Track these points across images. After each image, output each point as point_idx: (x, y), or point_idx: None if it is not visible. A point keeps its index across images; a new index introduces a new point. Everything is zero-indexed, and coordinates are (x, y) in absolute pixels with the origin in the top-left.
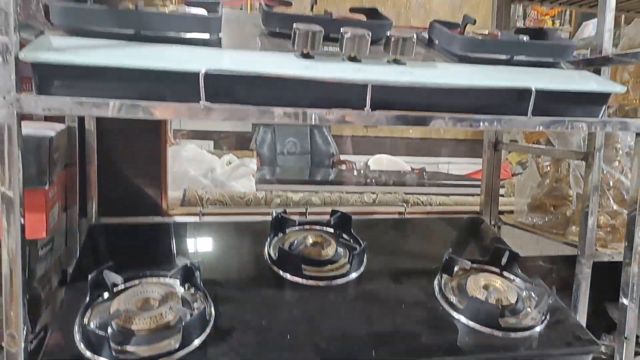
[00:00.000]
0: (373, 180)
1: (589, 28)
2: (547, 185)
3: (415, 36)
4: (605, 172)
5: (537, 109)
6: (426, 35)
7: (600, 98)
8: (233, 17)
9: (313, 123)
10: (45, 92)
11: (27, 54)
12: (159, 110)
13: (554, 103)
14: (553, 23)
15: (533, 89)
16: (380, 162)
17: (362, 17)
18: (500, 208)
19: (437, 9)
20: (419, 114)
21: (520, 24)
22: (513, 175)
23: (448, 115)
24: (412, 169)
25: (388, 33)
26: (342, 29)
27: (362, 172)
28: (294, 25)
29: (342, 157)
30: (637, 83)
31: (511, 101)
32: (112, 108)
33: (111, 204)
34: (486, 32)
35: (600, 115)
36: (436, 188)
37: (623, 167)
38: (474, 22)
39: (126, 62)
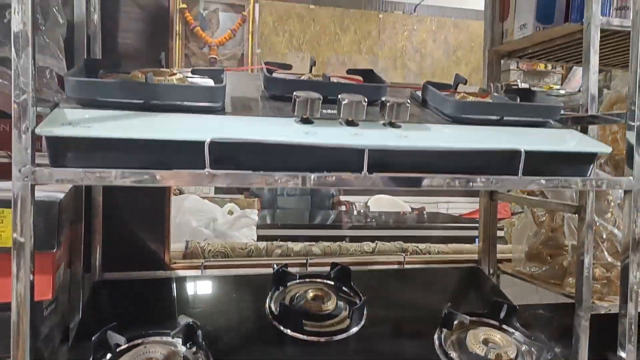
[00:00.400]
0: (373, 220)
1: (580, 71)
2: (543, 234)
3: (408, 101)
4: (598, 224)
5: (527, 168)
6: (420, 94)
7: (587, 157)
8: (236, 79)
9: (312, 186)
10: (59, 163)
11: (42, 129)
12: (166, 178)
13: (543, 163)
14: (545, 66)
15: (522, 151)
16: (380, 202)
17: (358, 76)
18: (499, 256)
19: (432, 52)
20: (414, 175)
21: (513, 66)
22: (512, 214)
23: (443, 177)
24: (412, 209)
25: (383, 98)
26: (339, 95)
27: (362, 212)
28: (294, 93)
29: (342, 198)
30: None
31: (502, 162)
32: (122, 177)
33: (115, 258)
34: (477, 88)
35: (589, 173)
36: (436, 231)
37: (615, 218)
38: (465, 82)
39: (135, 134)
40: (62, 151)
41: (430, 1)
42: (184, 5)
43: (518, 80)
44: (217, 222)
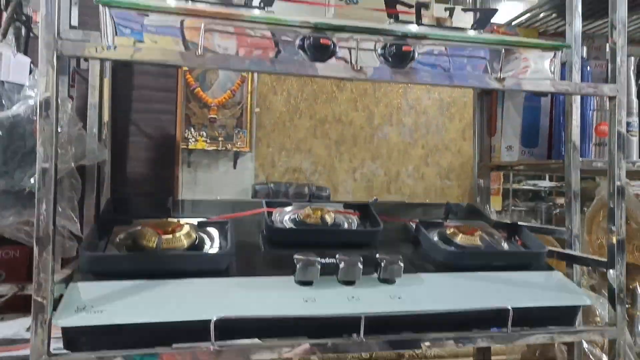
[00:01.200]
0: None
1: None
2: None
3: (401, 260)
4: (587, 351)
5: (516, 319)
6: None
7: (572, 309)
8: (241, 225)
9: (313, 355)
10: (73, 347)
11: (58, 321)
12: (175, 357)
13: (531, 315)
14: None
15: (510, 309)
16: None
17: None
18: (494, 358)
19: (427, 109)
20: (409, 337)
21: None
22: None
23: (437, 337)
24: None
25: (377, 255)
26: (337, 256)
27: None
28: (294, 256)
29: None
30: None
31: (492, 316)
32: None
33: None
34: (465, 208)
35: (575, 322)
36: None
37: (605, 342)
38: (457, 213)
39: (144, 317)
40: (77, 337)
41: None
42: (186, 67)
43: None
44: None
